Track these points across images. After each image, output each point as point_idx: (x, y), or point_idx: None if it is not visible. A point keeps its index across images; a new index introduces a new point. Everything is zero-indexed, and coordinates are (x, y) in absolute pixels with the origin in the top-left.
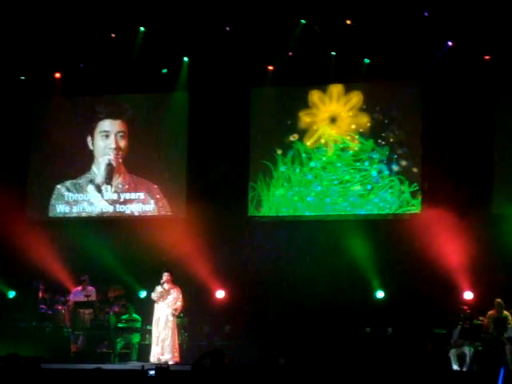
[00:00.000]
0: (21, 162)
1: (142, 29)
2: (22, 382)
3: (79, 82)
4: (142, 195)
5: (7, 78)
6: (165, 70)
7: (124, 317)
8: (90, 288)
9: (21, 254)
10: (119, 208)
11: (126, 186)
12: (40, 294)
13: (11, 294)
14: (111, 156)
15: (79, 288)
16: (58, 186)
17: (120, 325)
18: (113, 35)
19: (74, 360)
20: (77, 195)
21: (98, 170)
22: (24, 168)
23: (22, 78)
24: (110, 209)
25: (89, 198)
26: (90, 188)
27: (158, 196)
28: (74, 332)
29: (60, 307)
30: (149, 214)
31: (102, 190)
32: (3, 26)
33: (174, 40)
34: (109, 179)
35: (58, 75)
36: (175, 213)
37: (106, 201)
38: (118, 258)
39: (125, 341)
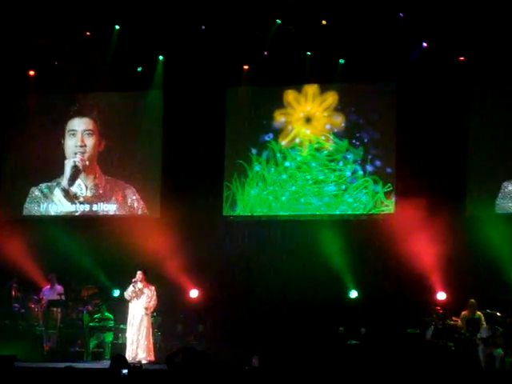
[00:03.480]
0: None
1: (117, 27)
2: None
3: (53, 80)
4: (116, 195)
5: None
6: (140, 69)
7: (96, 316)
8: (59, 287)
9: None
10: (94, 208)
11: (101, 187)
12: (13, 293)
13: None
14: (77, 158)
15: (48, 286)
16: (33, 189)
17: (92, 324)
18: (88, 33)
19: (47, 359)
20: (51, 196)
21: (65, 173)
22: None
23: None
24: (87, 208)
25: (55, 201)
26: (57, 191)
27: (133, 196)
28: (47, 331)
29: (33, 306)
30: (123, 213)
31: (68, 193)
32: None
33: (150, 38)
34: (72, 181)
35: (32, 73)
36: (150, 212)
37: (80, 202)
38: (92, 258)
39: (98, 340)
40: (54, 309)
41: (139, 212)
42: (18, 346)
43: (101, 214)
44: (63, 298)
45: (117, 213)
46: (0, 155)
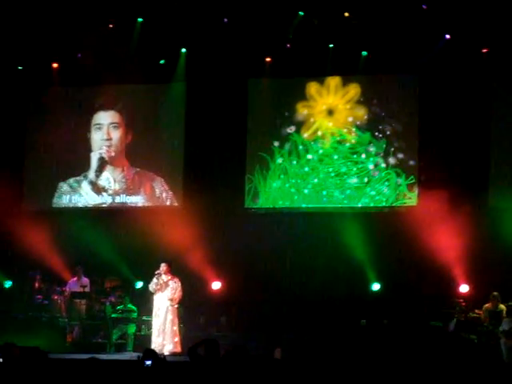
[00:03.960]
0: (17, 153)
1: (139, 19)
2: (19, 371)
3: (77, 73)
4: (145, 187)
5: (4, 68)
6: (162, 61)
7: (119, 307)
8: (85, 279)
9: (17, 244)
10: (122, 199)
11: (129, 179)
12: (36, 284)
13: (7, 284)
14: (103, 150)
15: (75, 279)
16: (61, 184)
17: (115, 315)
18: (111, 26)
19: (70, 350)
20: (79, 189)
21: (91, 165)
22: (21, 158)
23: (20, 68)
24: (114, 199)
25: (83, 194)
26: (84, 184)
27: (161, 187)
28: (70, 322)
29: (56, 297)
30: (151, 204)
31: (96, 185)
32: (0, 15)
33: (172, 31)
34: (99, 173)
35: (55, 65)
36: (172, 203)
37: (109, 194)
38: (115, 249)
39: (120, 331)
40: (77, 300)
41: (168, 203)
42: (40, 338)
43: (129, 205)
44: (87, 290)
45: (145, 204)
46: (25, 148)
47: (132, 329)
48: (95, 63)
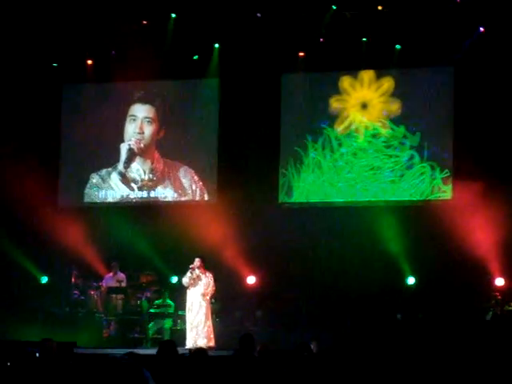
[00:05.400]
0: (52, 149)
1: (173, 15)
2: (56, 366)
3: (111, 69)
4: (175, 178)
5: (39, 65)
6: (196, 57)
7: (157, 302)
8: (121, 275)
9: (54, 240)
10: (152, 194)
11: (159, 170)
12: (73, 280)
13: (44, 280)
14: (132, 141)
15: (111, 274)
16: (93, 175)
17: (152, 310)
18: (144, 22)
19: (106, 345)
20: (108, 181)
21: (121, 156)
22: (56, 155)
23: (54, 64)
24: (145, 194)
25: (112, 186)
26: (114, 175)
27: (192, 179)
28: (107, 317)
29: (92, 293)
30: (182, 197)
31: (125, 176)
32: (37, 12)
33: (205, 26)
34: (127, 164)
35: (89, 62)
36: (208, 197)
37: (138, 187)
38: (151, 244)
39: (157, 326)
40: (114, 295)
41: (197, 195)
42: (77, 333)
43: (160, 199)
44: (123, 285)
45: (175, 196)
46: (61, 144)
47: (168, 323)
48: (129, 59)
